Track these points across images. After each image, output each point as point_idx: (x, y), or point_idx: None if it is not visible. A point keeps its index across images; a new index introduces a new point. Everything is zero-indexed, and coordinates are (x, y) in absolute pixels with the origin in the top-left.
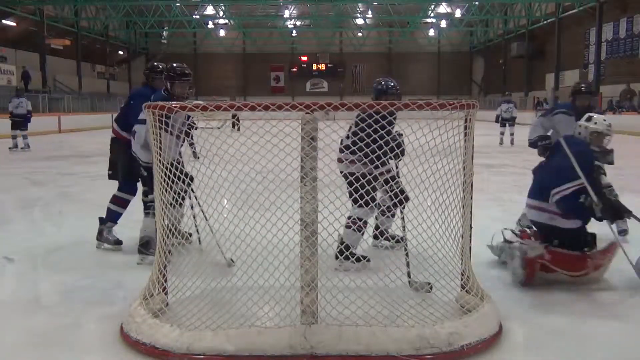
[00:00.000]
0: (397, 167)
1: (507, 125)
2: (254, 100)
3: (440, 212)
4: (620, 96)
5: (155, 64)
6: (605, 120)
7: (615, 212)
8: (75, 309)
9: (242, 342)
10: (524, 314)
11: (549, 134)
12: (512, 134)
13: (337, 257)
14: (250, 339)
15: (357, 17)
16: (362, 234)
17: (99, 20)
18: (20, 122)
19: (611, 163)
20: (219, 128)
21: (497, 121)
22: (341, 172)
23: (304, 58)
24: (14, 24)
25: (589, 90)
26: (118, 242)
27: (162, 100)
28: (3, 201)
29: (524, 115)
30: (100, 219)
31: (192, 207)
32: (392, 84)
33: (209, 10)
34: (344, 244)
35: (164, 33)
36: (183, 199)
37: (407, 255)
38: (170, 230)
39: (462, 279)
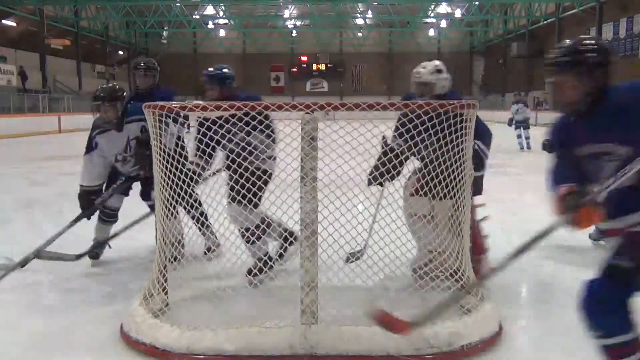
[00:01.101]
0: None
1: (522, 128)
2: None
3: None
4: None
5: (136, 61)
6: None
7: None
8: (75, 309)
9: (242, 342)
10: (524, 314)
11: None
12: (527, 138)
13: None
14: (250, 339)
15: (357, 17)
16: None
17: (99, 20)
18: None
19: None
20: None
21: (509, 124)
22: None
23: (304, 58)
24: (14, 24)
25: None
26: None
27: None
28: (3, 201)
29: None
30: None
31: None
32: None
33: (209, 10)
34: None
35: (164, 33)
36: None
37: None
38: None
39: (462, 279)
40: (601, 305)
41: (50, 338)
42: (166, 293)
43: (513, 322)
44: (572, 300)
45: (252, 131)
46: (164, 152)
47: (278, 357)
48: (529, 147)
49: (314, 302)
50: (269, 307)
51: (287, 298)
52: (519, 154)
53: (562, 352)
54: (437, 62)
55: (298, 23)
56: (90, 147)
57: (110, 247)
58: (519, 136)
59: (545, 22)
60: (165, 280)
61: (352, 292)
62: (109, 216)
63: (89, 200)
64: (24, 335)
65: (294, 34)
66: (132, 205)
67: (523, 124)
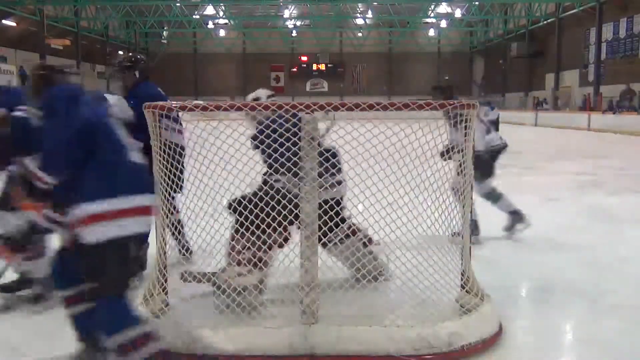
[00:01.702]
0: None
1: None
2: None
3: (440, 212)
4: (620, 96)
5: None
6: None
7: None
8: None
9: (242, 342)
10: (524, 314)
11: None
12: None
13: None
14: (250, 339)
15: (357, 17)
16: None
17: (99, 20)
18: None
19: None
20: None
21: None
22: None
23: (304, 58)
24: (14, 24)
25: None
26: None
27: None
28: None
29: (524, 115)
30: None
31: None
32: None
33: (209, 10)
34: None
35: (164, 33)
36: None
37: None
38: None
39: (462, 279)
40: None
41: (51, 338)
42: (166, 293)
43: (513, 322)
44: (572, 300)
45: None
46: (164, 151)
47: (278, 357)
48: None
49: (314, 302)
50: (269, 307)
51: (287, 298)
52: (520, 153)
53: (562, 352)
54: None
55: (298, 23)
56: None
57: None
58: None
59: (545, 22)
60: (166, 280)
61: (352, 292)
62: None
63: None
64: (24, 335)
65: (294, 34)
66: None
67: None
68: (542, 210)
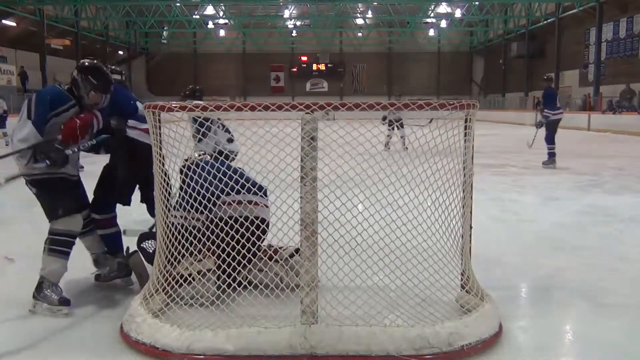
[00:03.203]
0: None
1: (395, 127)
2: (254, 100)
3: (440, 212)
4: (620, 96)
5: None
6: None
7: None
8: (75, 309)
9: (242, 342)
10: (524, 314)
11: None
12: (402, 137)
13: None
14: (250, 339)
15: (357, 17)
16: None
17: (99, 20)
18: None
19: None
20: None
21: (383, 122)
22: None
23: (304, 58)
24: (14, 24)
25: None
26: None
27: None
28: (3, 201)
29: (524, 115)
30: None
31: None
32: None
33: (209, 10)
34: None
35: (164, 33)
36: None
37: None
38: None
39: (462, 279)
40: None
41: (50, 338)
42: (166, 293)
43: (513, 322)
44: (572, 300)
45: None
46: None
47: (278, 357)
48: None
49: (314, 302)
50: (269, 307)
51: (287, 298)
52: (520, 154)
53: (562, 352)
54: None
55: (298, 23)
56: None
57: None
58: (389, 136)
59: (545, 22)
60: (165, 280)
61: (352, 292)
62: None
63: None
64: (23, 335)
65: (294, 34)
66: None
67: (398, 123)
68: (542, 210)
